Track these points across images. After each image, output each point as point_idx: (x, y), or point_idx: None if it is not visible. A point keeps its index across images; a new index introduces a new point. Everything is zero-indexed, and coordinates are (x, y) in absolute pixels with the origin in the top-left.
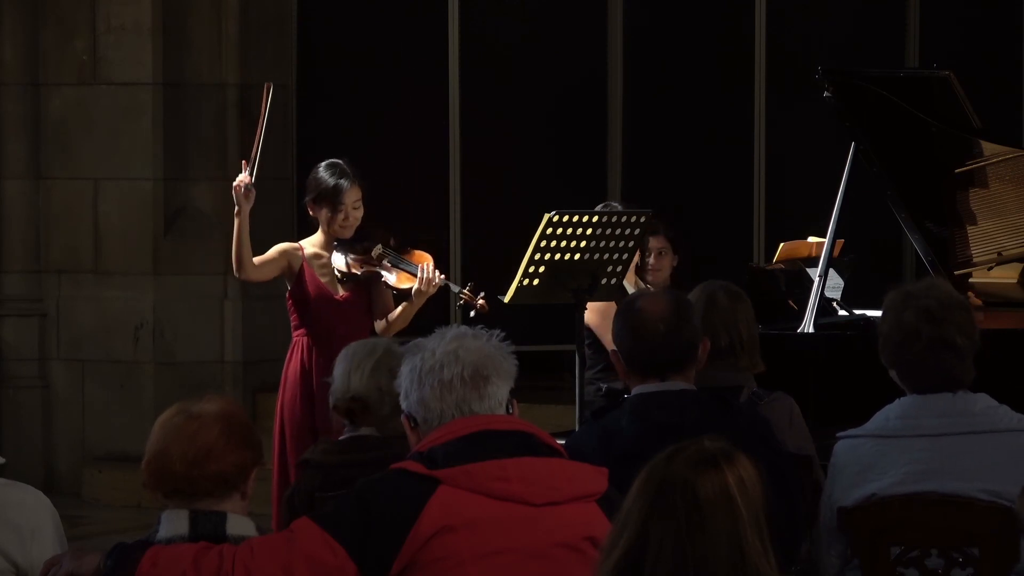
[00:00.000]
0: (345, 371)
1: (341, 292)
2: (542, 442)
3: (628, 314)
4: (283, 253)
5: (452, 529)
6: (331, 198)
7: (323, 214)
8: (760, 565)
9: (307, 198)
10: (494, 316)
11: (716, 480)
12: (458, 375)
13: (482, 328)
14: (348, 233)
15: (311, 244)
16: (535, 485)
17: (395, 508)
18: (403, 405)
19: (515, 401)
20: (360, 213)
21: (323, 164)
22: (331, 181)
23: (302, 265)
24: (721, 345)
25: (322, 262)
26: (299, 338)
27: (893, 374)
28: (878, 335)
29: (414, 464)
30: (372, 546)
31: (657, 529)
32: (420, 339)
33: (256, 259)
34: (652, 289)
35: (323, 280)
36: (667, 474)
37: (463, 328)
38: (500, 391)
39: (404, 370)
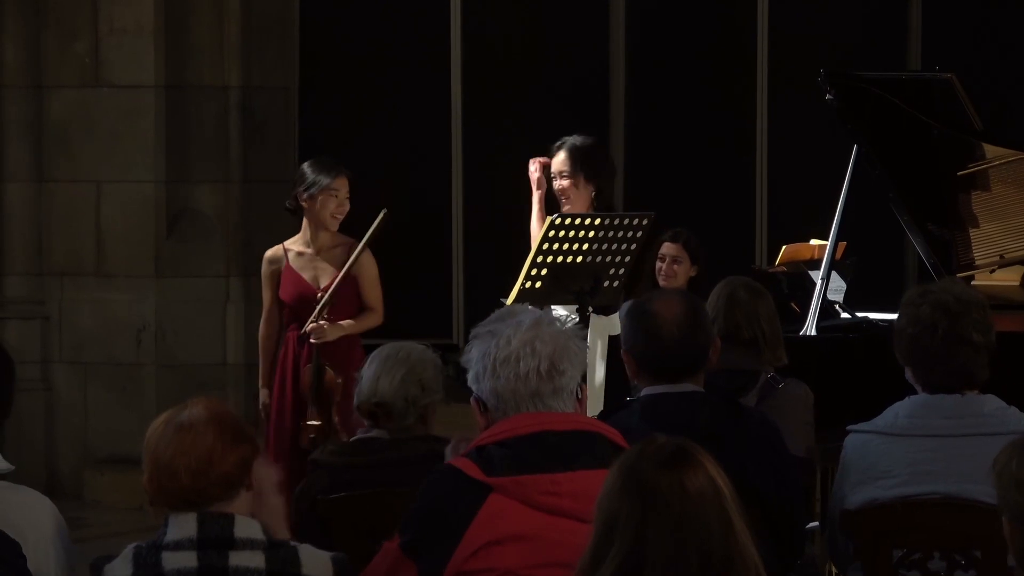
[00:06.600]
0: (374, 375)
1: (322, 286)
2: (608, 443)
3: (641, 316)
4: (271, 272)
5: (498, 543)
6: (325, 187)
7: (315, 205)
8: (746, 540)
9: (299, 190)
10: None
11: (697, 470)
12: (534, 369)
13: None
14: (335, 225)
15: (295, 243)
16: (586, 500)
17: (447, 515)
18: (473, 388)
19: (583, 385)
20: (348, 206)
21: (309, 160)
22: (325, 170)
23: (284, 267)
24: (744, 337)
25: (306, 258)
26: (288, 334)
27: (908, 374)
28: (894, 331)
29: (471, 466)
30: (426, 548)
31: (654, 530)
32: (495, 318)
33: (265, 321)
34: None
35: (305, 276)
36: (651, 475)
37: (538, 313)
38: (572, 381)
39: (475, 353)
